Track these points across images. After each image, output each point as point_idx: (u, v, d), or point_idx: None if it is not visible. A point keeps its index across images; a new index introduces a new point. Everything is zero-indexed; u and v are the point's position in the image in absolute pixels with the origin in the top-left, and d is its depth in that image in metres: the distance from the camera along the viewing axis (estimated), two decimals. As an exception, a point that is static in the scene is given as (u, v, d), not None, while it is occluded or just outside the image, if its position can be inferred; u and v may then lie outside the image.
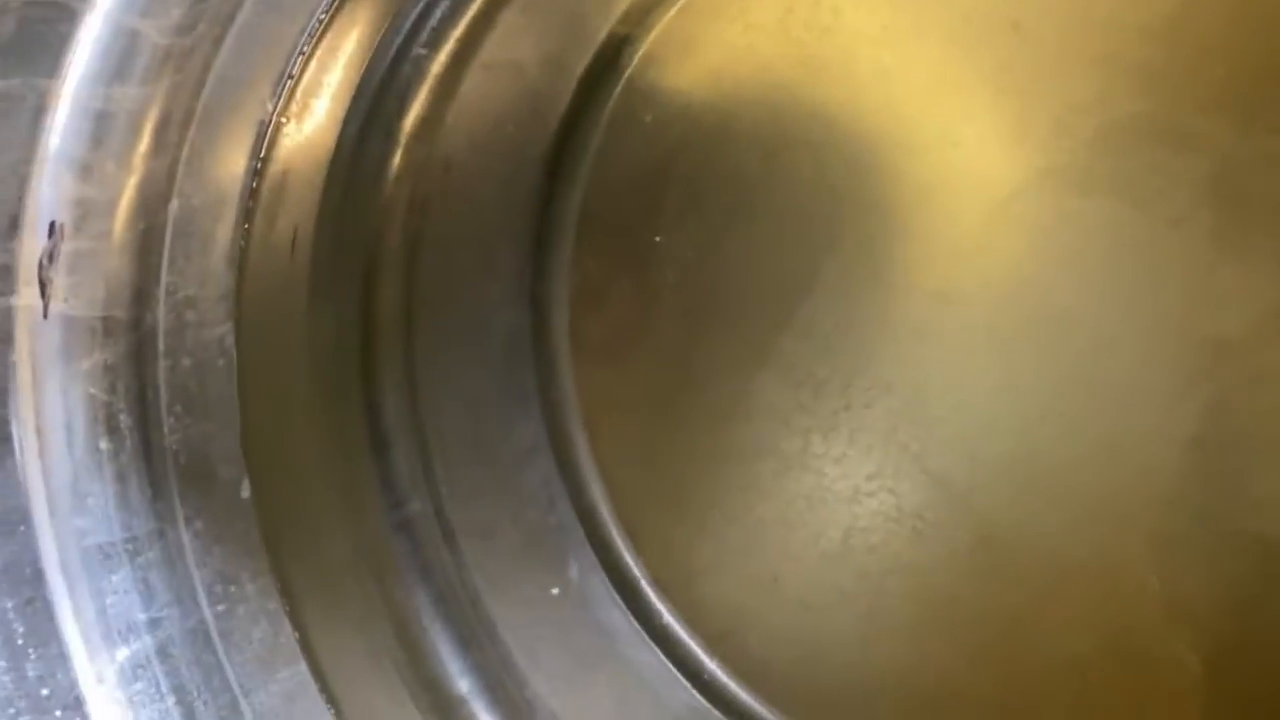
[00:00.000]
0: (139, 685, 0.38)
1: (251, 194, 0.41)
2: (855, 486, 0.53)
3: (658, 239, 0.54)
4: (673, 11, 0.56)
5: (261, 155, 0.41)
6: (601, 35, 0.55)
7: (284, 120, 0.42)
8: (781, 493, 0.54)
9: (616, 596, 0.55)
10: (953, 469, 0.51)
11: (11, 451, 0.35)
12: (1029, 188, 0.51)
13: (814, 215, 0.54)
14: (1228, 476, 0.49)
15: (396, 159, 0.50)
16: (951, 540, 0.51)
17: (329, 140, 0.45)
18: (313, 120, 0.44)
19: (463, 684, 0.48)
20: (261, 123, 0.41)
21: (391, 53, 0.49)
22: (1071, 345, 0.50)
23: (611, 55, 0.55)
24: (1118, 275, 0.50)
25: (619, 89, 0.56)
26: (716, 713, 0.53)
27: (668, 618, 0.54)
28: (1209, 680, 0.48)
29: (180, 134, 0.38)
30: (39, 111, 0.33)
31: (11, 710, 0.35)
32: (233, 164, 0.41)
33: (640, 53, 0.56)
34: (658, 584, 0.55)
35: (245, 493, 0.43)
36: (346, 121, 0.46)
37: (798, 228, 0.55)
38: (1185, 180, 0.49)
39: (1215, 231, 0.49)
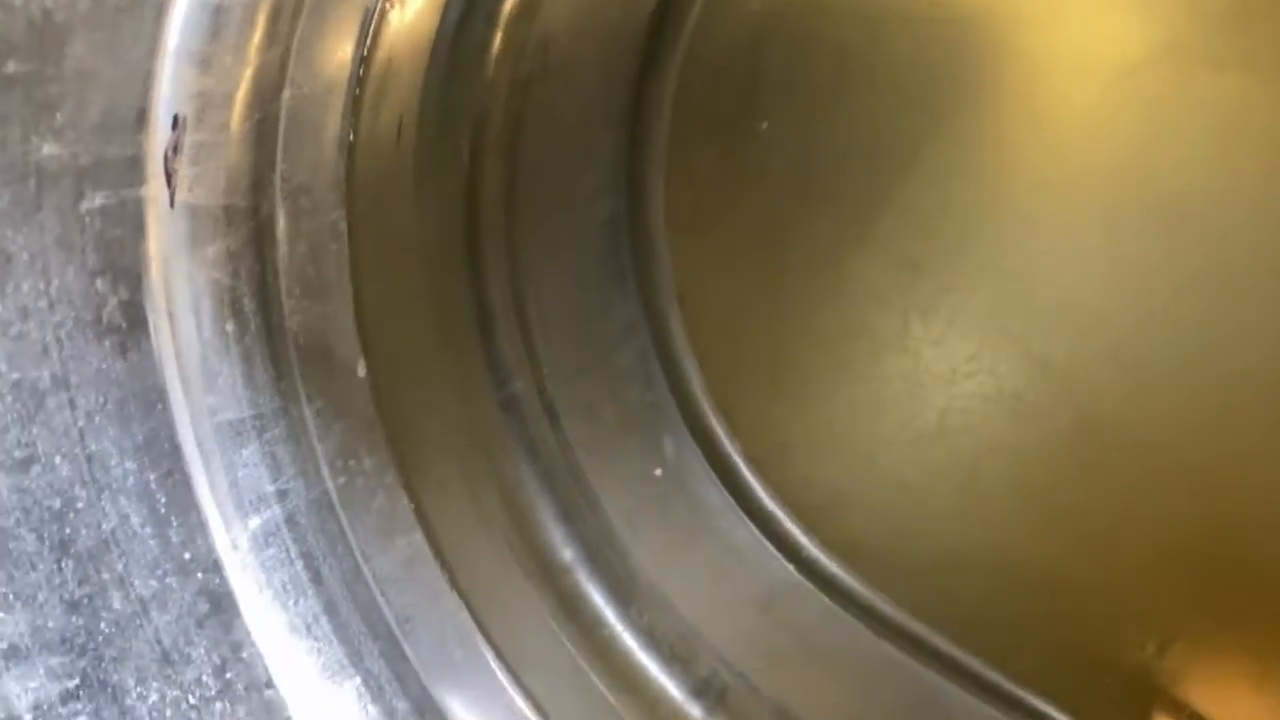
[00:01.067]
0: (270, 551, 0.40)
1: (359, 81, 0.41)
2: (953, 368, 0.53)
3: (763, 125, 0.54)
4: (773, -121, 0.54)
5: (367, 43, 0.41)
6: (702, -91, 0.54)
7: (389, 6, 0.42)
8: (878, 373, 0.54)
9: (712, 474, 0.56)
10: (1056, 353, 0.51)
11: (147, 334, 0.38)
12: (1148, 63, 0.49)
13: (915, 93, 0.53)
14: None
15: (497, 41, 0.50)
16: (1051, 424, 0.51)
17: (431, 25, 0.46)
18: (415, 5, 0.45)
19: (566, 553, 0.50)
20: (367, 10, 0.41)
21: (492, -65, 0.48)
22: (1188, 231, 0.49)
23: (712, -71, 0.54)
24: (1242, 158, 0.48)
25: (718, -37, 0.55)
26: (810, 585, 0.55)
27: (762, 495, 0.56)
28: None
29: (291, 25, 0.38)
30: (160, 7, 0.34)
31: (159, 571, 0.37)
32: (340, 52, 0.41)
33: (741, -75, 0.54)
34: (752, 462, 0.56)
35: (361, 372, 0.45)
36: (448, 6, 0.46)
37: (898, 106, 0.53)
38: (1319, 55, 0.47)
39: (1349, 110, 0.47)
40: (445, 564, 0.44)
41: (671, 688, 0.49)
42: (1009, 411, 0.52)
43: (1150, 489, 0.49)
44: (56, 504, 0.35)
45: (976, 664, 0.51)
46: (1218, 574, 0.49)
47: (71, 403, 0.35)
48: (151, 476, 0.38)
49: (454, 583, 0.44)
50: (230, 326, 0.40)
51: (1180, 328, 0.49)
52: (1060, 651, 0.51)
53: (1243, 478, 0.48)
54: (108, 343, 0.36)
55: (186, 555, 0.38)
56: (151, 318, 0.37)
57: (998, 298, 0.52)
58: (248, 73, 0.37)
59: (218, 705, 0.38)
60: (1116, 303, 0.50)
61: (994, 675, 0.50)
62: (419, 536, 0.44)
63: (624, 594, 0.50)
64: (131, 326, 0.37)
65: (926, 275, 0.54)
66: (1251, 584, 0.48)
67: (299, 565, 0.41)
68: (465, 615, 0.43)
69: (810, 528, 0.55)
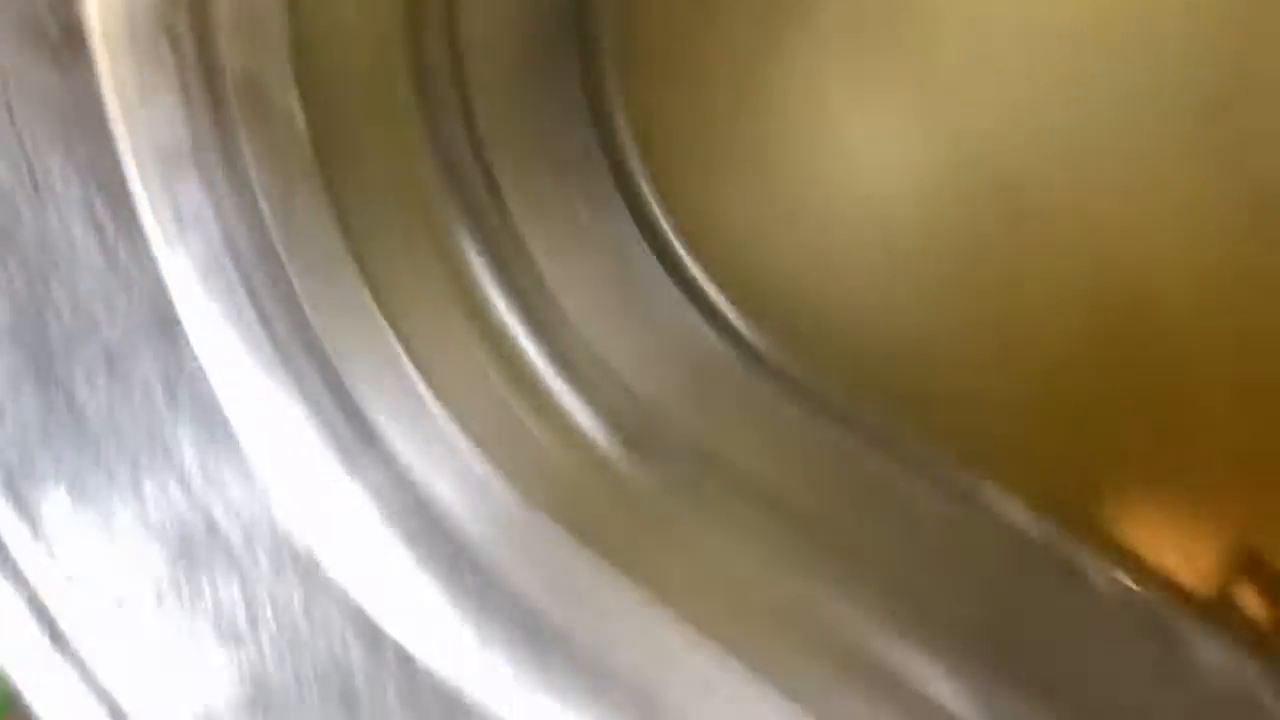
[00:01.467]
0: (213, 277, 0.42)
1: None
2: (882, 144, 0.55)
3: None
4: None
5: None
6: None
7: None
8: (805, 146, 0.56)
9: (645, 245, 0.58)
10: (971, 122, 0.53)
11: (88, 56, 0.39)
12: None
13: None
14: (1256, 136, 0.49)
15: None
16: (973, 200, 0.53)
17: None
18: None
19: (501, 304, 0.52)
20: None
21: None
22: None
23: None
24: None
25: None
26: (736, 354, 0.58)
27: (691, 265, 0.58)
28: (1201, 319, 0.50)
29: None
30: None
31: (106, 287, 0.40)
32: None
33: None
34: (684, 234, 0.58)
35: (300, 122, 0.46)
36: None
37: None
38: None
39: None
40: (382, 302, 0.46)
41: (598, 433, 0.52)
42: (933, 185, 0.54)
43: (1063, 244, 0.51)
44: None
45: (883, 422, 0.54)
46: (1131, 353, 0.51)
47: (9, 108, 0.37)
48: (97, 199, 0.40)
49: (389, 318, 0.46)
50: (168, 57, 0.41)
51: (1114, 102, 0.50)
52: (976, 427, 0.54)
53: (1157, 252, 0.50)
54: (48, 59, 0.38)
55: (132, 272, 0.40)
56: (91, 40, 0.39)
57: (928, 72, 0.54)
58: None
59: (166, 415, 0.41)
60: (1048, 78, 0.51)
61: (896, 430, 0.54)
62: (353, 270, 0.46)
63: (557, 345, 0.53)
64: (71, 46, 0.38)
65: (865, 50, 0.55)
66: (1149, 330, 0.50)
67: (240, 292, 0.43)
68: (396, 344, 0.45)
69: (739, 300, 0.58)
